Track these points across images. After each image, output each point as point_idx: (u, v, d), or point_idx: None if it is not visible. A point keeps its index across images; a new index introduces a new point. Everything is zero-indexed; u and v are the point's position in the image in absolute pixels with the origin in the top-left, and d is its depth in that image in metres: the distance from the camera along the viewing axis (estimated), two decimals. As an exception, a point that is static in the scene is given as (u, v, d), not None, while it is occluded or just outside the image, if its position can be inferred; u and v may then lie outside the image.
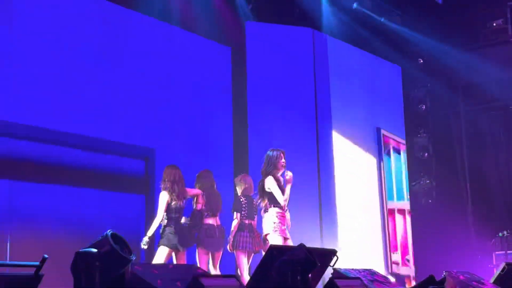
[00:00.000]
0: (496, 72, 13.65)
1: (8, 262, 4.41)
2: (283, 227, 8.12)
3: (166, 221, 8.21)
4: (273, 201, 8.13)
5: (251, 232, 8.60)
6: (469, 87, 14.04)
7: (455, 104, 14.06)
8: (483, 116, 14.15)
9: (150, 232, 8.18)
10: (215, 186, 8.83)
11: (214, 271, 8.50)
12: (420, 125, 13.89)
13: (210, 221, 8.57)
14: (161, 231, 8.24)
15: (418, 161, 13.81)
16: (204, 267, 8.09)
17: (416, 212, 13.61)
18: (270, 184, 8.15)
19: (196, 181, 8.76)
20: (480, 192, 13.66)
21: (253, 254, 8.63)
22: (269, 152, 8.38)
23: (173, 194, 8.23)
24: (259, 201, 8.32)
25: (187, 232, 8.41)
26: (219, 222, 8.67)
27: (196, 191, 8.63)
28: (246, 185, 8.82)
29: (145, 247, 8.14)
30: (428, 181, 13.57)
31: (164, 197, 8.24)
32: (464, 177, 13.80)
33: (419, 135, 13.84)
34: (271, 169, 8.22)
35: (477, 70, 13.78)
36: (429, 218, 13.34)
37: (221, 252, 8.64)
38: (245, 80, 11.18)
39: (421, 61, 13.77)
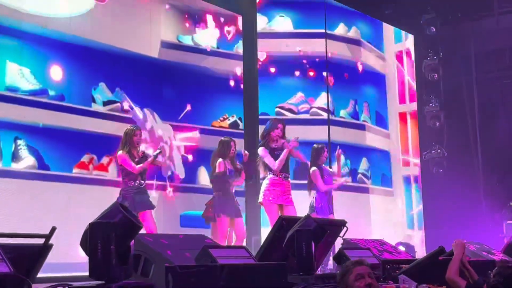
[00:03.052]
0: (509, 40, 13.53)
1: (18, 232, 4.41)
2: (277, 194, 8.27)
3: None
4: (268, 169, 8.36)
5: None
6: (482, 55, 13.93)
7: (467, 72, 13.95)
8: (495, 84, 14.03)
9: None
10: None
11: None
12: (432, 93, 13.79)
13: None
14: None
15: (429, 130, 13.73)
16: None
17: (427, 182, 13.58)
18: (260, 153, 8.43)
19: None
20: (492, 162, 13.60)
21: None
22: (267, 123, 8.71)
23: None
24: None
25: None
26: None
27: None
28: None
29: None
30: (439, 151, 13.50)
31: None
32: (476, 147, 13.75)
33: (430, 104, 13.75)
34: (265, 140, 8.47)
35: (490, 38, 13.67)
36: (440, 188, 13.31)
37: None
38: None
39: (434, 30, 13.62)
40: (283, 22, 12.27)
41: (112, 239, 3.93)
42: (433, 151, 13.56)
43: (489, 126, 13.83)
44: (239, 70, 11.40)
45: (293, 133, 9.30)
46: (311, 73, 12.37)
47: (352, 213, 11.91)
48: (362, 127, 13.07)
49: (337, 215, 8.82)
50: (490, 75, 14.01)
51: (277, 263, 5.16)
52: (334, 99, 12.50)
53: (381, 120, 13.57)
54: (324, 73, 11.98)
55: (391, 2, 12.93)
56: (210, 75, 10.99)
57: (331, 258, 7.13)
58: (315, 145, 9.30)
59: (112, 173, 9.32)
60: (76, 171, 8.98)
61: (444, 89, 13.79)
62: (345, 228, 6.05)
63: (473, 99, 13.87)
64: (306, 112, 12.22)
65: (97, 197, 8.72)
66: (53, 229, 4.15)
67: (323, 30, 12.05)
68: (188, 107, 10.56)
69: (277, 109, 11.95)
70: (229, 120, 11.24)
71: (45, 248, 4.17)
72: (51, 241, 4.18)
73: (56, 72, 8.94)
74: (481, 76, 13.90)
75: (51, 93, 8.82)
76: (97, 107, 9.37)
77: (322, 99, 12.20)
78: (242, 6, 11.40)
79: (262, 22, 12.03)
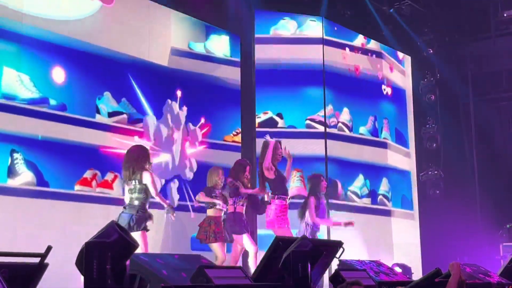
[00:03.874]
0: (506, 62, 13.59)
1: (13, 251, 4.39)
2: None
3: None
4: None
5: None
6: (479, 77, 13.97)
7: (464, 94, 14.00)
8: (492, 106, 14.08)
9: None
10: None
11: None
12: (429, 115, 13.82)
13: None
14: None
15: (426, 152, 13.75)
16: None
17: (424, 203, 13.56)
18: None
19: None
20: (488, 184, 13.60)
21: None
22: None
23: None
24: None
25: None
26: None
27: None
28: None
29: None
30: (436, 172, 13.51)
31: None
32: (472, 168, 13.75)
33: (427, 126, 13.78)
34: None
35: (487, 60, 13.72)
36: (436, 209, 13.29)
37: None
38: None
39: (431, 51, 13.68)
40: (315, 26, 11.87)
41: (107, 259, 3.92)
42: (430, 172, 13.57)
43: (486, 147, 13.85)
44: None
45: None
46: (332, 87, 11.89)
47: (372, 236, 11.90)
48: (383, 145, 12.75)
49: (357, 240, 8.75)
50: (487, 96, 14.06)
51: (273, 283, 5.14)
52: (353, 114, 12.18)
53: (400, 138, 13.30)
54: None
55: (388, 24, 12.99)
56: (222, 85, 10.59)
57: (327, 278, 7.10)
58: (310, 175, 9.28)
59: (117, 190, 8.66)
60: (78, 188, 8.37)
61: (441, 110, 13.83)
62: (341, 249, 6.05)
63: (470, 121, 13.90)
64: (334, 126, 11.84)
65: (100, 216, 7.99)
66: (49, 248, 4.13)
67: (344, 41, 12.09)
68: (202, 120, 10.16)
69: (308, 121, 11.46)
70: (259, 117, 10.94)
71: (41, 267, 4.15)
72: (46, 260, 4.16)
73: (58, 79, 8.33)
74: (478, 98, 13.94)
75: (52, 102, 8.22)
76: (101, 119, 8.78)
77: (345, 114, 11.97)
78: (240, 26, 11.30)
79: (292, 27, 11.65)
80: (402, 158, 13.30)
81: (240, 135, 10.80)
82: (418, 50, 13.82)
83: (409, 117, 13.74)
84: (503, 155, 13.78)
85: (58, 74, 8.39)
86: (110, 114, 8.91)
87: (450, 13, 13.27)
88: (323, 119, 11.56)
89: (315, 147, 11.42)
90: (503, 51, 13.45)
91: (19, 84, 7.97)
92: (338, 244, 6.10)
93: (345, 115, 12.12)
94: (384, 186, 12.67)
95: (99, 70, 8.90)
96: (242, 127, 10.91)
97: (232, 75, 10.89)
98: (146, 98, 9.45)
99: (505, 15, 13.17)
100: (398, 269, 9.95)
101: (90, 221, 8.03)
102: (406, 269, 11.13)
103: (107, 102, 8.94)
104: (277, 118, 11.20)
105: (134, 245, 4.20)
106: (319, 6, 11.77)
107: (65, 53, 8.51)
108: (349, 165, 12.07)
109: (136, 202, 7.22)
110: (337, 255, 6.10)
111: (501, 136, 13.95)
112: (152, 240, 7.92)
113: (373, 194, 12.42)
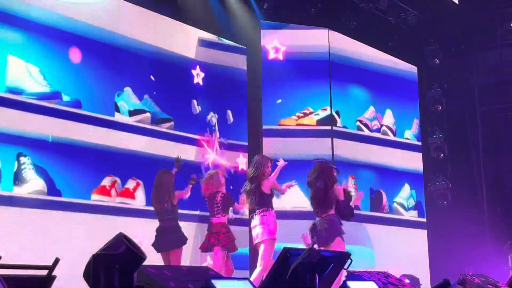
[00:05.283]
0: (512, 73, 13.59)
1: (20, 264, 4.39)
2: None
3: None
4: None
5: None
6: (485, 87, 13.96)
7: (471, 104, 13.97)
8: (499, 116, 14.05)
9: None
10: None
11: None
12: (436, 125, 13.80)
13: None
14: None
15: (433, 162, 13.71)
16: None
17: (432, 214, 13.52)
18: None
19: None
20: (496, 194, 13.55)
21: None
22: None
23: None
24: None
25: None
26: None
27: None
28: None
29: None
30: (443, 182, 13.47)
31: None
32: (480, 179, 13.71)
33: (434, 136, 13.75)
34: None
35: (493, 70, 13.70)
36: (444, 220, 13.24)
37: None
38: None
39: (437, 61, 13.68)
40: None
41: (115, 271, 3.91)
42: (437, 183, 13.53)
43: (493, 157, 13.81)
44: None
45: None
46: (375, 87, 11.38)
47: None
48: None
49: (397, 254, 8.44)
50: (493, 106, 14.04)
51: (280, 295, 5.12)
52: (396, 117, 11.61)
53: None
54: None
55: (394, 34, 13.00)
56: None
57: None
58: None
59: (140, 200, 7.84)
60: (95, 198, 7.50)
61: (448, 120, 13.81)
62: (349, 260, 6.02)
63: (477, 131, 13.88)
64: (377, 130, 11.32)
65: (121, 230, 7.18)
66: (57, 261, 4.13)
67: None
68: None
69: (358, 123, 11.06)
70: (318, 115, 10.29)
71: (48, 280, 4.15)
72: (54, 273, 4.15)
73: (72, 72, 7.37)
74: (484, 108, 13.92)
75: (65, 98, 7.30)
76: (121, 117, 7.88)
77: (388, 118, 11.44)
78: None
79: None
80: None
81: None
82: (424, 61, 13.81)
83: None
84: (511, 165, 13.72)
85: (72, 66, 7.44)
86: (131, 113, 8.01)
87: (456, 24, 13.27)
88: (368, 122, 11.13)
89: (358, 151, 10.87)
90: (509, 60, 13.43)
91: (27, 76, 7.03)
92: (346, 255, 6.07)
93: (388, 118, 11.61)
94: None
95: (118, 62, 7.96)
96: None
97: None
98: (168, 95, 8.48)
99: (511, 25, 13.17)
100: (407, 280, 9.90)
101: (108, 235, 7.17)
102: (414, 280, 11.07)
103: (127, 99, 8.00)
104: (336, 116, 10.62)
105: (142, 257, 4.19)
106: (324, 17, 11.79)
107: (81, 42, 7.54)
108: (392, 174, 11.44)
109: None
110: (345, 266, 6.07)
111: (509, 146, 13.90)
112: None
113: (419, 206, 11.90)
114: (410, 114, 12.29)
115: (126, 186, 7.87)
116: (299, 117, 10.58)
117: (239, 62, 10.00)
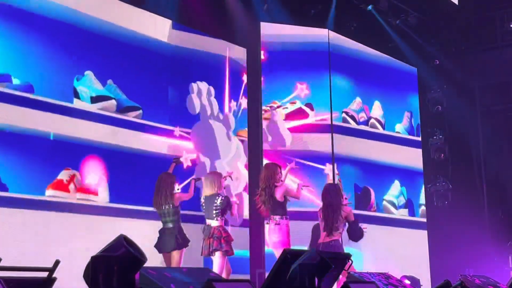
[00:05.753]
0: (512, 73, 13.59)
1: (20, 266, 4.38)
2: None
3: None
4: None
5: None
6: (486, 88, 13.96)
7: (471, 105, 13.97)
8: (499, 117, 14.04)
9: None
10: None
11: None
12: (436, 126, 13.79)
13: None
14: None
15: (434, 163, 13.71)
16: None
17: (432, 214, 13.51)
18: None
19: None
20: (497, 194, 13.54)
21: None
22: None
23: None
24: None
25: None
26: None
27: None
28: None
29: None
30: (444, 183, 13.46)
31: None
32: (481, 179, 13.71)
33: (435, 137, 13.75)
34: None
35: (494, 70, 13.70)
36: (444, 220, 13.24)
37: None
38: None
39: (437, 62, 13.68)
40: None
41: (114, 273, 3.91)
42: (438, 184, 13.52)
43: (493, 158, 13.80)
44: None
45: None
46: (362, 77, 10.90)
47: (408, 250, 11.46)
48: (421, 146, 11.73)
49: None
50: (494, 107, 14.03)
51: (281, 297, 5.11)
52: (386, 110, 11.28)
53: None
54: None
55: (394, 35, 12.99)
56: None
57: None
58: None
59: (103, 196, 7.07)
60: (50, 193, 6.62)
61: (448, 121, 13.80)
62: (350, 261, 6.01)
63: (478, 132, 13.87)
64: (364, 123, 10.95)
65: (84, 229, 6.49)
66: (57, 262, 4.12)
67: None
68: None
69: (344, 115, 10.63)
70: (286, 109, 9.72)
71: (49, 282, 4.14)
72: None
73: (24, 52, 6.48)
74: (485, 109, 13.92)
75: (15, 81, 6.39)
76: (82, 104, 7.02)
77: (376, 110, 11.04)
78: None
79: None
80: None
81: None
82: (424, 61, 13.81)
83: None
84: (511, 166, 13.72)
85: (24, 46, 6.55)
86: (94, 99, 7.18)
87: (456, 24, 13.27)
88: (354, 114, 10.71)
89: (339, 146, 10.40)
90: (509, 61, 13.43)
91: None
92: (347, 257, 6.06)
93: (376, 110, 11.26)
94: (424, 196, 11.65)
95: (78, 43, 7.08)
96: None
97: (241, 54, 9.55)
98: (135, 81, 7.67)
99: (511, 25, 13.17)
100: (407, 281, 9.89)
101: (73, 236, 6.52)
102: (415, 281, 11.07)
103: (89, 84, 7.15)
104: (308, 110, 10.25)
105: (142, 259, 4.18)
106: (324, 18, 11.78)
107: (35, 19, 6.64)
108: (382, 169, 11.09)
109: None
110: (346, 268, 6.07)
111: (509, 146, 13.89)
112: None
113: (409, 204, 11.64)
114: (401, 107, 11.92)
115: (87, 181, 6.92)
116: (265, 111, 10.21)
117: (217, 47, 9.21)
